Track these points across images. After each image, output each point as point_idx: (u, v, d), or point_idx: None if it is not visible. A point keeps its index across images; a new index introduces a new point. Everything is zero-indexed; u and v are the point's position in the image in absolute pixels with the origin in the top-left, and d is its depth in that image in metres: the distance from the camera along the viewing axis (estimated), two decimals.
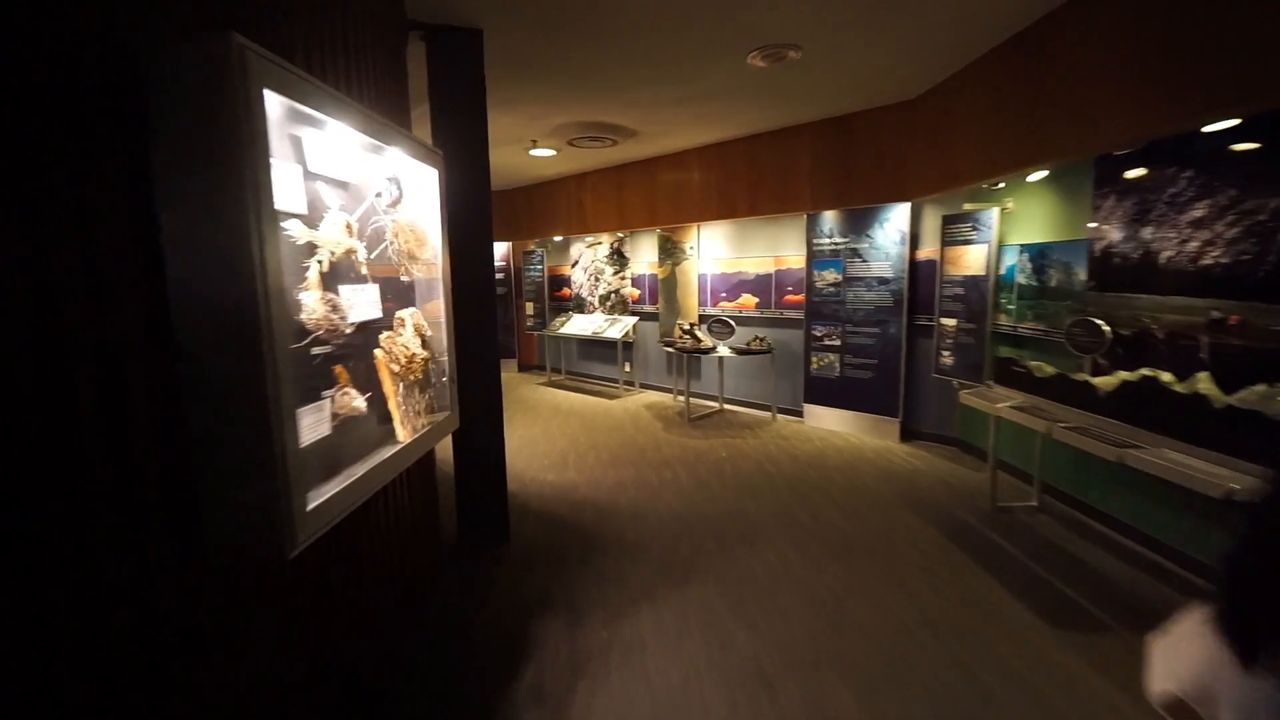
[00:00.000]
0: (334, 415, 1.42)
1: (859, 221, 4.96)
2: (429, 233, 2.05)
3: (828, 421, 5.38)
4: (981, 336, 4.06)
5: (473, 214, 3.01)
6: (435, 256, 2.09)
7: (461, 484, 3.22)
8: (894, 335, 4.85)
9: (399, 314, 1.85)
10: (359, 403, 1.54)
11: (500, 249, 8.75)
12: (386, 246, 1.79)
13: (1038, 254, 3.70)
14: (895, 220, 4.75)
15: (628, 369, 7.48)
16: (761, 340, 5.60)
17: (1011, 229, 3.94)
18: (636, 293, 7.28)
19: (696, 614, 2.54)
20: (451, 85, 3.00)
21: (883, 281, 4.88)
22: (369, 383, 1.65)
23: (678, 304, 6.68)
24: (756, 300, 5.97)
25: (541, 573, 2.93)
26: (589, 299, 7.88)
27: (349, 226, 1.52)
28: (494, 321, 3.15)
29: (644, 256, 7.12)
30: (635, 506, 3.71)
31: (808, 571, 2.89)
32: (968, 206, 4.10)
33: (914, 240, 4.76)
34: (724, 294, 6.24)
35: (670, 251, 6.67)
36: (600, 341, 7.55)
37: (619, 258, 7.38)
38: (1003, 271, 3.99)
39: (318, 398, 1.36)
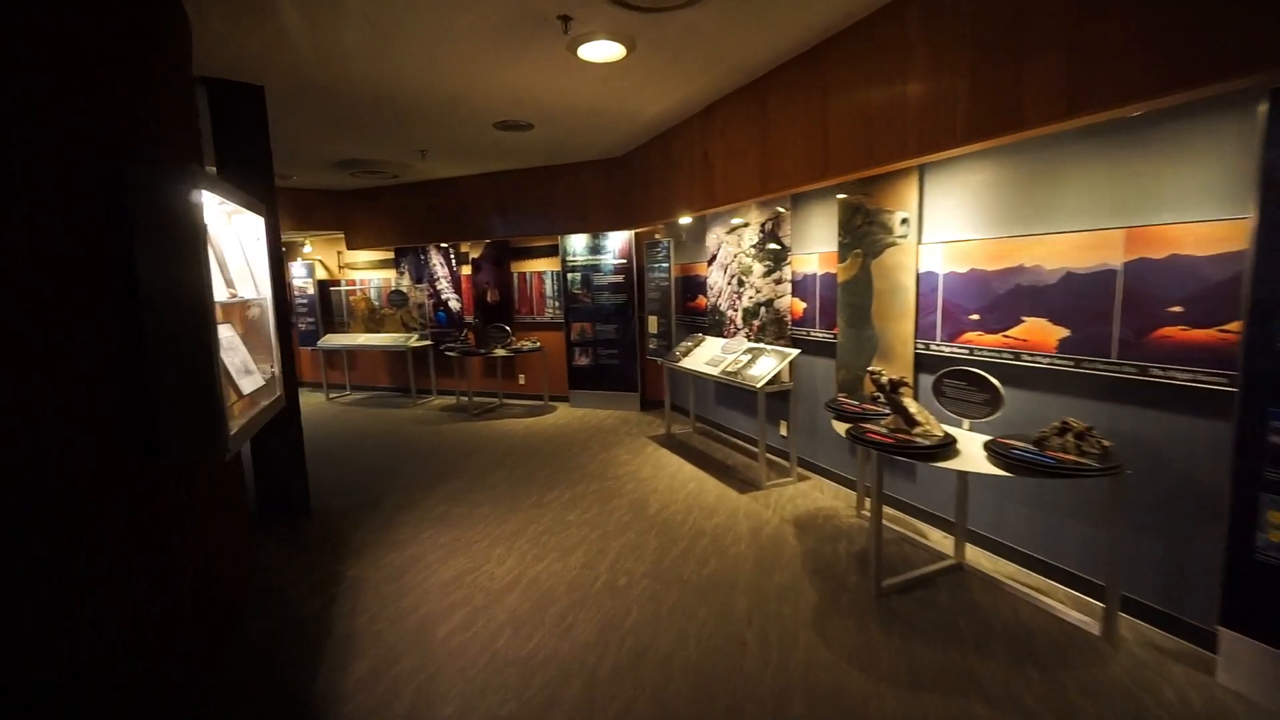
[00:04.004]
0: None
1: None
2: None
3: None
4: None
5: None
6: None
7: None
8: None
9: None
10: None
11: (619, 241, 6.36)
12: None
13: None
14: None
15: (782, 433, 4.48)
16: (1085, 437, 2.22)
17: None
18: (799, 306, 4.24)
19: None
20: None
21: None
22: None
23: (872, 331, 3.50)
24: (1064, 333, 2.54)
25: None
26: (730, 313, 5.04)
27: None
28: None
29: (816, 243, 4.05)
30: None
31: None
32: None
33: None
34: (975, 314, 2.91)
35: (861, 230, 3.53)
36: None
37: (773, 247, 4.41)
38: None
39: None
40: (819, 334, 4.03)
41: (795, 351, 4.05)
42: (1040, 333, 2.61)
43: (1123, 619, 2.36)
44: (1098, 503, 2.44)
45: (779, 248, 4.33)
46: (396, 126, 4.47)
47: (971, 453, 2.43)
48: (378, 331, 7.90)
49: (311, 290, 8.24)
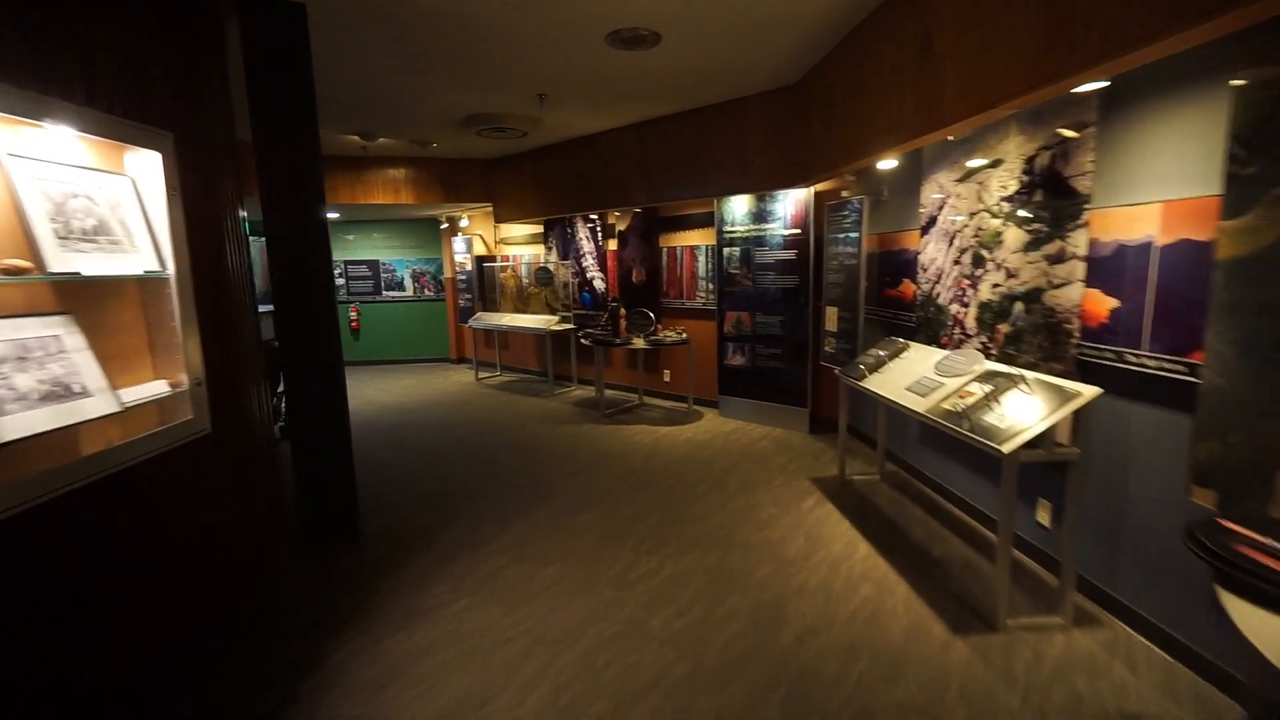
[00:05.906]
0: None
1: None
2: None
3: None
4: None
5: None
6: None
7: None
8: None
9: None
10: None
11: (792, 204, 4.73)
12: None
13: None
14: None
15: (1040, 521, 2.60)
16: None
17: None
18: (1102, 304, 2.29)
19: None
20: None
21: None
22: None
23: None
24: None
25: None
26: (955, 308, 3.20)
27: None
28: None
29: (1152, 184, 2.07)
30: None
31: None
32: None
33: None
34: None
35: None
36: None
37: (1045, 193, 2.49)
38: None
39: None
40: (1148, 358, 2.09)
41: (1093, 391, 2.16)
42: None
43: None
44: None
45: (1063, 197, 2.41)
46: (483, 46, 3.48)
47: None
48: (524, 311, 7.35)
49: (469, 266, 8.02)
